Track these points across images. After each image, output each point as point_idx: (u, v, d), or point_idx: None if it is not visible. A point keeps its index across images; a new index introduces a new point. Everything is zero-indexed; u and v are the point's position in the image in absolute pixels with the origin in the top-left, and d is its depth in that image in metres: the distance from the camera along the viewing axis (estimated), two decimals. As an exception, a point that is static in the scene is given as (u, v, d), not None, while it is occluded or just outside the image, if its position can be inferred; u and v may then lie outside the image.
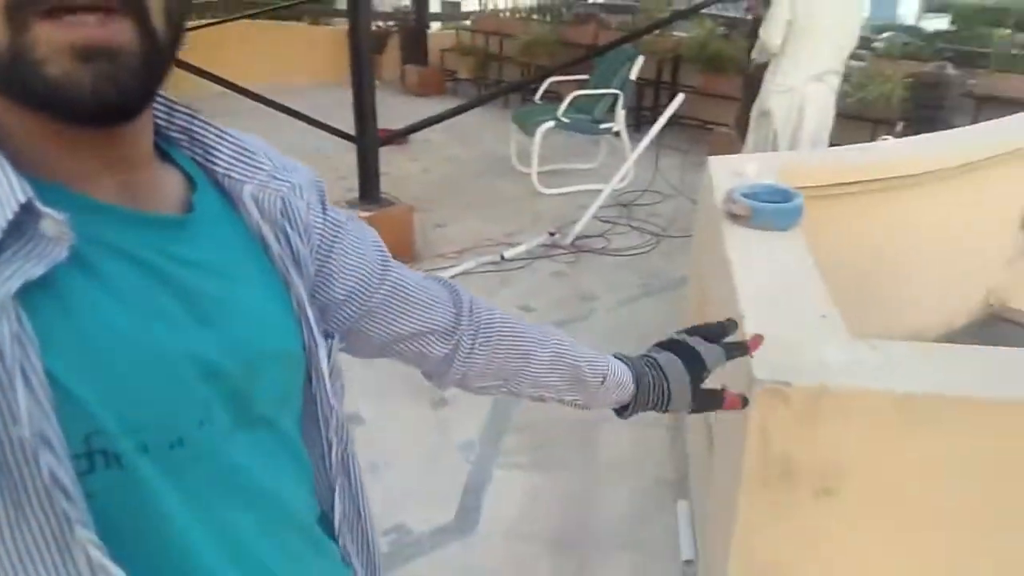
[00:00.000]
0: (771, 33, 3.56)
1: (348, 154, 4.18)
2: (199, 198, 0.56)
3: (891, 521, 1.47)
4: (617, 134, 5.17)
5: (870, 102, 4.81)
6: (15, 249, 0.43)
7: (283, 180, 0.62)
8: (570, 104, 5.07)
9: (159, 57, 0.47)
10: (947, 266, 3.23)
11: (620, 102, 5.01)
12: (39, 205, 0.43)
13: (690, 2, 7.02)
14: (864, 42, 5.22)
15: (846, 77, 5.13)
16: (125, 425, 0.46)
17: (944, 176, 2.89)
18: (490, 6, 9.16)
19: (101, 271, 0.47)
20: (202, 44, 6.64)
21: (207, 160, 0.60)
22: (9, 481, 0.43)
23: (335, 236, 0.68)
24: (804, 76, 3.62)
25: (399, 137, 4.10)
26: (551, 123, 4.97)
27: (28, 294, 0.43)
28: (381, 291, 0.71)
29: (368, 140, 3.62)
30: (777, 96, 3.75)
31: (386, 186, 4.14)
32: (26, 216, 0.43)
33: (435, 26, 9.75)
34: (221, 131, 0.60)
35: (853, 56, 5.39)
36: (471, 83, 8.61)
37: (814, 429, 1.41)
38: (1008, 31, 5.69)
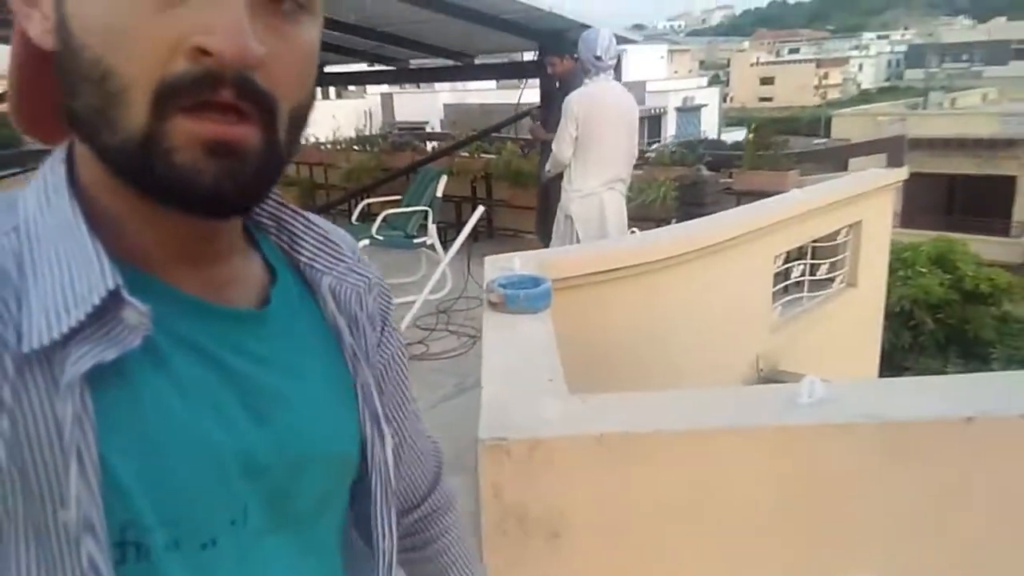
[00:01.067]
0: (562, 148, 3.94)
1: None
2: (277, 291, 0.57)
3: (616, 554, 1.66)
4: (432, 247, 5.47)
5: (648, 204, 5.43)
6: (93, 331, 0.44)
7: (361, 274, 0.63)
8: (383, 222, 5.34)
9: (277, 162, 0.49)
10: (716, 335, 3.64)
11: (431, 217, 5.34)
12: (125, 294, 0.45)
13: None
14: (640, 153, 5.90)
15: (633, 183, 5.78)
16: (161, 518, 0.46)
17: (690, 258, 3.33)
18: (311, 140, 9.51)
19: (169, 362, 0.48)
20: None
21: (292, 248, 0.61)
22: (47, 559, 0.43)
23: (387, 356, 0.69)
24: (596, 183, 4.03)
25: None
26: (366, 241, 5.19)
27: (94, 375, 0.44)
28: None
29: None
30: (578, 201, 4.11)
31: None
32: (111, 302, 0.44)
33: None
34: (308, 221, 0.62)
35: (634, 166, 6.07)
36: (298, 211, 8.78)
37: (535, 477, 1.60)
38: (785, 138, 6.52)
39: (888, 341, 10.11)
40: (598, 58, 3.78)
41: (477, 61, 6.64)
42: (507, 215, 6.82)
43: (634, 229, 3.86)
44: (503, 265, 2.86)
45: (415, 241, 5.42)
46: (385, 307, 0.69)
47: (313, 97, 0.51)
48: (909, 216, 20.46)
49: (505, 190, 7.04)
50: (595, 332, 2.98)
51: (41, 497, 0.43)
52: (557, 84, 5.07)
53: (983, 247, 15.95)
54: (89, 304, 0.43)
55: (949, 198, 20.80)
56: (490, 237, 7.24)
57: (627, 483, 1.63)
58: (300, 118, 0.50)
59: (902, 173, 4.84)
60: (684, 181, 5.16)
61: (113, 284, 0.44)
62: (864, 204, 4.68)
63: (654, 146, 7.22)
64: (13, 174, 7.51)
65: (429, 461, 0.76)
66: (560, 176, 4.28)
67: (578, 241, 4.17)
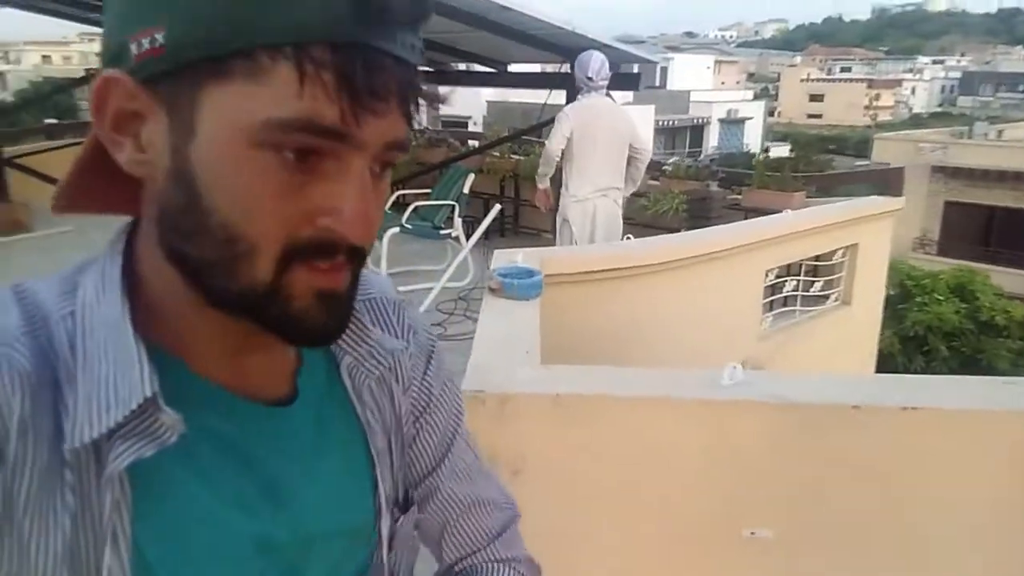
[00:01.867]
0: (553, 143, 4.36)
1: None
2: (304, 378, 0.60)
3: (564, 491, 2.06)
4: (456, 239, 5.89)
5: (661, 214, 5.79)
6: (133, 427, 0.48)
7: (381, 359, 0.63)
8: (413, 212, 5.78)
9: (355, 292, 0.53)
10: (702, 339, 3.99)
11: (457, 211, 5.76)
12: (161, 402, 0.48)
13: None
14: (657, 165, 6.25)
15: (644, 194, 6.15)
16: None
17: (680, 266, 3.70)
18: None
19: (196, 453, 0.52)
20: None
21: None
22: None
23: (424, 407, 0.70)
24: (589, 190, 4.42)
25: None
26: (396, 229, 5.64)
27: (131, 466, 0.48)
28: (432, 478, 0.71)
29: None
30: (573, 206, 4.53)
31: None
32: (149, 404, 0.48)
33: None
34: None
35: (651, 176, 6.43)
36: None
37: (504, 424, 2.00)
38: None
39: (902, 364, 10.32)
40: (589, 78, 4.27)
41: (511, 68, 7.05)
42: (532, 214, 7.22)
43: (629, 236, 4.22)
44: (509, 258, 3.27)
45: (441, 232, 5.85)
46: (422, 367, 0.70)
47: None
48: (945, 244, 20.44)
49: (531, 190, 7.44)
50: (583, 323, 3.36)
51: (80, 570, 0.47)
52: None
53: (1017, 281, 15.94)
54: (127, 408, 0.47)
55: (986, 229, 20.68)
56: (514, 234, 7.66)
57: (576, 435, 2.02)
58: (368, 252, 0.53)
59: (898, 203, 5.12)
60: (694, 195, 5.51)
61: (151, 392, 0.47)
62: (862, 228, 4.98)
63: (672, 159, 7.54)
64: (68, 145, 8.04)
65: (489, 515, 0.74)
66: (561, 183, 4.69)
67: (574, 243, 4.55)
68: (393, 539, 0.65)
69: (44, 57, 62.15)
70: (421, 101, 0.49)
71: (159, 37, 0.44)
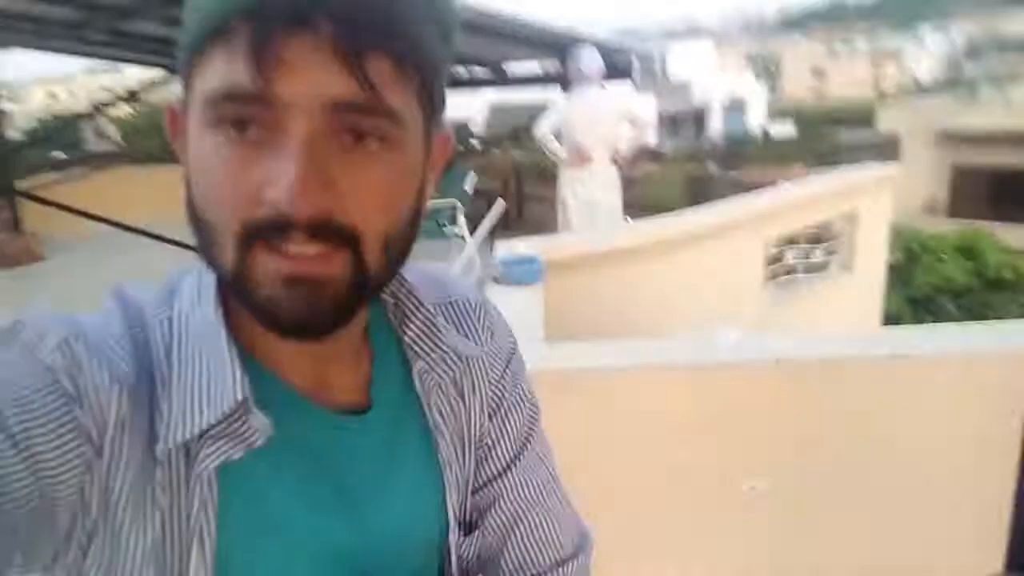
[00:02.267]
0: (540, 125, 4.64)
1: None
2: (378, 388, 0.60)
3: (572, 463, 2.14)
4: (461, 237, 6.01)
5: (664, 196, 5.87)
6: (223, 429, 0.50)
7: (453, 365, 0.62)
8: (417, 214, 5.92)
9: (366, 287, 0.50)
10: (709, 310, 4.07)
11: (459, 210, 5.89)
12: (253, 406, 0.50)
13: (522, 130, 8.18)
14: (657, 150, 6.33)
15: (647, 177, 6.23)
16: None
17: (681, 244, 3.79)
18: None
19: (275, 456, 0.53)
20: (89, 189, 7.16)
21: (401, 327, 0.62)
22: None
23: (495, 408, 0.68)
24: (583, 174, 4.58)
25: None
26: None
27: (218, 467, 0.50)
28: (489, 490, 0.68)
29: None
30: (567, 186, 4.71)
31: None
32: (240, 408, 0.49)
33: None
34: (419, 302, 0.62)
35: (652, 161, 6.51)
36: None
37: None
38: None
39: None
40: (579, 70, 4.56)
41: (507, 65, 7.17)
42: (535, 209, 7.33)
43: (627, 218, 4.32)
44: (511, 248, 3.37)
45: (445, 231, 5.97)
46: (500, 370, 0.68)
47: (410, 220, 0.52)
48: (955, 208, 20.30)
49: (534, 185, 7.56)
50: (586, 306, 3.46)
51: (165, 566, 0.49)
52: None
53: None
54: (220, 410, 0.49)
55: (995, 189, 20.52)
56: (519, 228, 7.76)
57: (582, 406, 2.12)
58: (395, 239, 0.50)
59: (892, 169, 5.18)
60: (694, 176, 5.59)
61: (242, 395, 0.49)
62: (859, 196, 5.04)
63: (670, 142, 7.60)
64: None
65: (558, 537, 0.69)
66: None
67: (569, 224, 4.70)
68: (469, 557, 0.64)
69: (51, 95, 63.01)
70: (387, 56, 0.45)
71: (180, 55, 0.49)
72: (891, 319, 6.54)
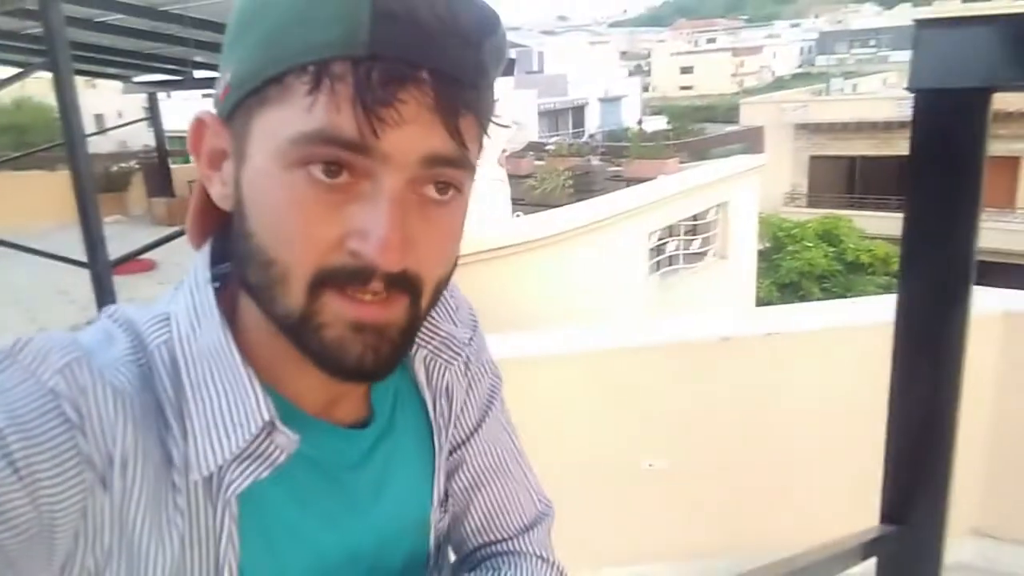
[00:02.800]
0: None
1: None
2: (377, 395, 0.61)
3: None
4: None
5: (548, 192, 6.01)
6: (248, 451, 0.50)
7: (457, 350, 0.63)
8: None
9: (416, 329, 0.51)
10: (598, 298, 4.24)
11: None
12: (279, 423, 0.50)
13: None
14: (540, 146, 6.47)
15: (531, 175, 6.37)
16: None
17: (569, 237, 3.92)
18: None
19: (291, 477, 0.53)
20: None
21: None
22: None
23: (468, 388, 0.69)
24: None
25: (133, 258, 4.48)
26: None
27: None
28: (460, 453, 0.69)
29: (100, 264, 4.03)
30: None
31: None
32: (264, 429, 0.50)
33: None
34: None
35: (536, 157, 6.64)
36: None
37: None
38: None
39: (783, 311, 11.01)
40: None
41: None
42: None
43: (519, 213, 4.41)
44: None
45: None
46: (466, 340, 0.69)
47: (455, 263, 0.53)
48: (815, 197, 21.80)
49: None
50: (484, 298, 3.52)
51: None
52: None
53: (881, 223, 17.21)
54: (247, 433, 0.49)
55: (849, 178, 22.17)
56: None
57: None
58: (444, 282, 0.51)
59: (760, 159, 5.53)
60: (578, 171, 5.76)
61: (268, 416, 0.49)
62: (730, 187, 5.36)
63: (553, 138, 7.80)
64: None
65: (522, 503, 0.72)
66: None
67: None
68: (436, 528, 0.66)
69: None
70: (473, 116, 0.46)
71: (228, 77, 0.48)
72: (762, 303, 6.98)
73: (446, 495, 0.67)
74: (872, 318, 2.24)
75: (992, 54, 1.04)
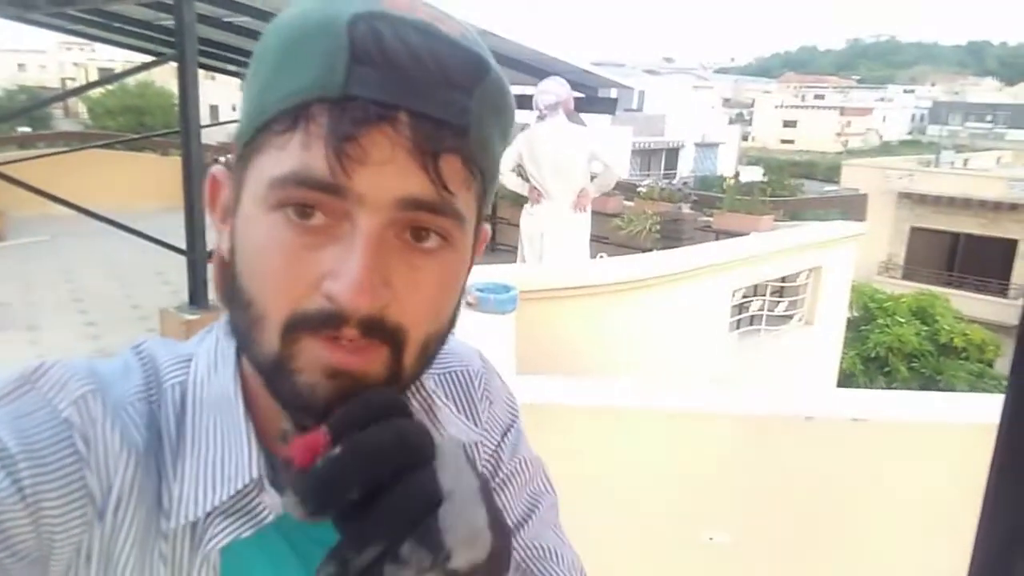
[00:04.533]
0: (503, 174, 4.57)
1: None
2: None
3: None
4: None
5: (635, 234, 5.95)
6: (231, 507, 0.49)
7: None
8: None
9: (397, 384, 0.48)
10: (674, 352, 4.13)
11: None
12: (267, 483, 0.49)
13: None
14: (631, 187, 6.41)
15: (618, 215, 6.31)
16: None
17: (651, 284, 3.84)
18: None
19: (267, 536, 0.52)
20: (56, 170, 7.06)
21: None
22: None
23: (489, 478, 0.66)
24: (536, 205, 4.60)
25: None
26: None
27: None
28: None
29: (197, 253, 4.19)
30: (524, 219, 4.74)
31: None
32: (252, 486, 0.49)
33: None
34: (420, 383, 0.59)
35: (625, 197, 6.59)
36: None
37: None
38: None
39: (863, 384, 10.56)
40: (540, 102, 4.50)
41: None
42: (509, 232, 7.35)
43: (602, 255, 4.35)
44: (485, 274, 3.38)
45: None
46: (495, 440, 0.66)
47: (452, 318, 0.51)
48: (911, 270, 20.93)
49: (506, 209, 7.59)
50: (556, 338, 3.48)
51: None
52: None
53: (980, 306, 16.37)
54: (233, 487, 0.48)
55: (950, 255, 21.22)
56: (491, 251, 7.80)
57: (548, 442, 2.12)
58: (435, 339, 0.49)
59: (860, 227, 5.33)
60: (667, 217, 5.68)
61: (257, 474, 0.49)
62: (825, 251, 5.17)
63: (646, 181, 7.73)
64: (43, 155, 8.09)
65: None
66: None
67: (523, 257, 4.70)
68: None
69: (20, 65, 61.54)
70: (460, 160, 0.45)
71: (236, 130, 0.49)
72: (844, 376, 6.69)
73: None
74: (971, 417, 2.09)
75: None
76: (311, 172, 0.43)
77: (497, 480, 0.65)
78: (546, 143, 4.48)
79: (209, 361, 0.52)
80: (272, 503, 0.49)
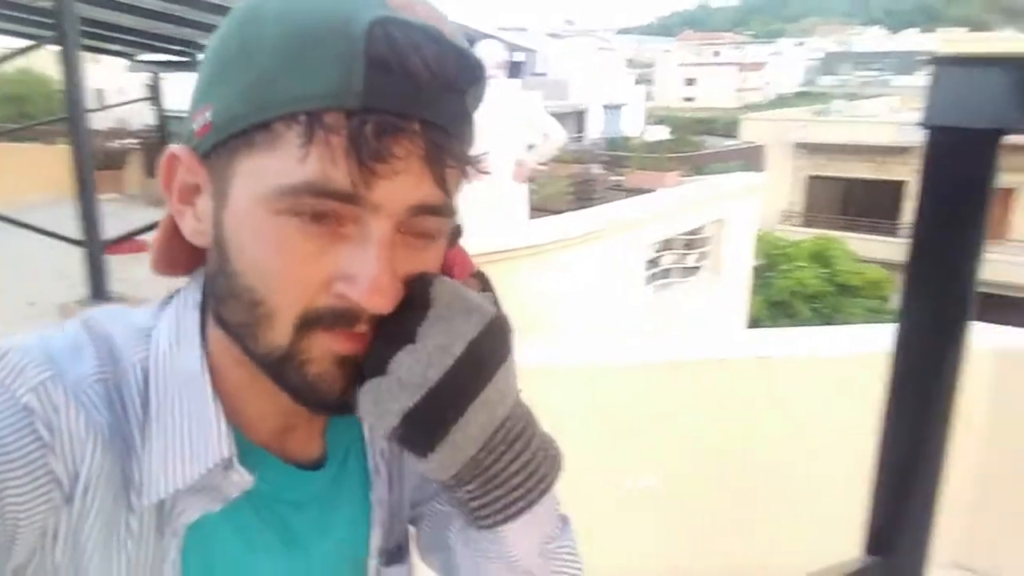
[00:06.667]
0: None
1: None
2: (332, 436, 0.61)
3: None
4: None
5: (549, 196, 6.02)
6: (201, 483, 0.50)
7: None
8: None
9: None
10: (593, 308, 4.23)
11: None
12: (236, 462, 0.50)
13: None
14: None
15: (532, 179, 6.36)
16: None
17: (568, 245, 3.91)
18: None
19: (238, 510, 0.53)
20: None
21: None
22: None
23: None
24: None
25: (128, 238, 4.44)
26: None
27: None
28: None
29: (94, 244, 4.00)
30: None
31: (128, 289, 4.46)
32: (221, 464, 0.50)
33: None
34: None
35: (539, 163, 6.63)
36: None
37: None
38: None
39: (770, 328, 11.13)
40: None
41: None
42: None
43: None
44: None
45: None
46: None
47: None
48: (810, 216, 21.90)
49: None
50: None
51: None
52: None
53: (874, 246, 17.30)
54: (203, 466, 0.49)
55: (846, 200, 22.27)
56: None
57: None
58: None
59: (759, 179, 5.55)
60: (578, 178, 5.77)
61: (227, 452, 0.50)
62: (729, 203, 5.37)
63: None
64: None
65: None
66: None
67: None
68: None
69: None
70: (458, 164, 0.48)
71: (208, 115, 0.47)
72: (752, 321, 6.98)
73: (398, 549, 0.66)
74: (867, 347, 2.25)
75: (1006, 97, 1.05)
76: (331, 184, 0.44)
77: None
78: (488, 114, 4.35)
79: (171, 335, 0.52)
80: (239, 480, 0.50)
